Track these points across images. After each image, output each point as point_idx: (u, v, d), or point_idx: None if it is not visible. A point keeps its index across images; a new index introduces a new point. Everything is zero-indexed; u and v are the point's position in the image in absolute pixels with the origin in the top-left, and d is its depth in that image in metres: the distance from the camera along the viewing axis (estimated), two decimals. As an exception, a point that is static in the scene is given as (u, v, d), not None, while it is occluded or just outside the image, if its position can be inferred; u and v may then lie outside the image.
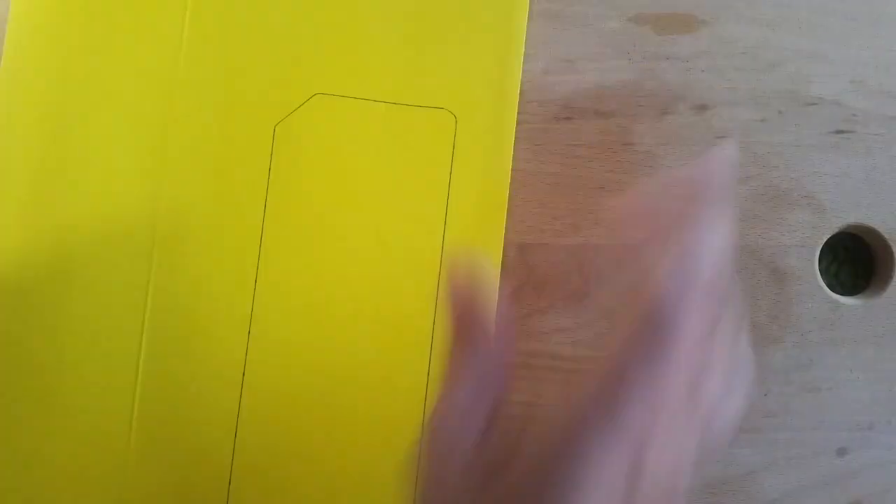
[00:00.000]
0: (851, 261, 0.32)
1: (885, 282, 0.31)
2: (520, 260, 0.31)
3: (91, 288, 0.27)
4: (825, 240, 0.31)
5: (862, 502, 0.31)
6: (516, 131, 0.31)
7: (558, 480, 0.16)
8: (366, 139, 0.29)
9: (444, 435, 0.19)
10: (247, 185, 0.28)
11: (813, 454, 0.31)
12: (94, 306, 0.27)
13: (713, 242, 0.17)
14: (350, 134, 0.29)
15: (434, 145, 0.29)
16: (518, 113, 0.31)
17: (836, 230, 0.31)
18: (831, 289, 0.31)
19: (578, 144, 0.31)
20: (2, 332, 0.27)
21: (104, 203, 0.27)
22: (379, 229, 0.28)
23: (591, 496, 0.16)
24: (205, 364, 0.27)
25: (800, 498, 0.31)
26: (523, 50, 0.30)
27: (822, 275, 0.31)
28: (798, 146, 0.31)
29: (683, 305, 0.16)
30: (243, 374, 0.27)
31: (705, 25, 0.31)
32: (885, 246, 0.31)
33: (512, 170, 0.31)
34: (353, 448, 0.27)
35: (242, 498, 0.26)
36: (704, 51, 0.31)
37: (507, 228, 0.31)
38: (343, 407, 0.27)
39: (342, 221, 0.28)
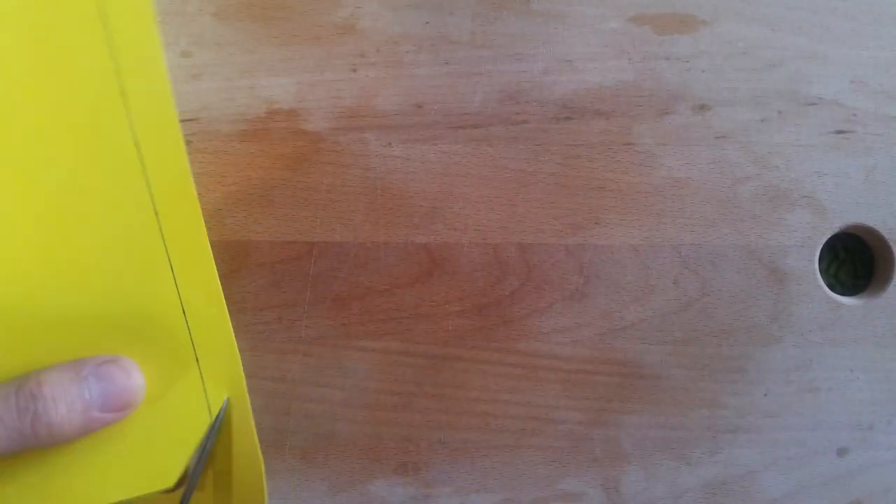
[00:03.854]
0: (851, 261, 0.32)
1: (885, 282, 0.31)
2: (520, 260, 0.31)
3: None
4: (825, 240, 0.31)
5: (862, 502, 0.31)
6: (516, 131, 0.31)
7: None
8: None
9: None
10: None
11: (813, 454, 0.31)
12: None
13: None
14: None
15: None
16: (518, 113, 0.31)
17: (836, 230, 0.31)
18: (831, 289, 0.31)
19: (578, 144, 0.31)
20: None
21: None
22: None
23: None
24: None
25: (800, 498, 0.31)
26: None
27: (822, 275, 0.31)
28: (798, 146, 0.31)
29: None
30: None
31: (705, 25, 0.31)
32: (885, 246, 0.31)
33: (512, 170, 0.31)
34: None
35: None
36: (704, 51, 0.31)
37: (507, 228, 0.31)
38: None
39: None
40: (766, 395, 0.31)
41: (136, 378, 0.25)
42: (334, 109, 0.31)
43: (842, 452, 0.31)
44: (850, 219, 0.31)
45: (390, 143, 0.31)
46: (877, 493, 0.31)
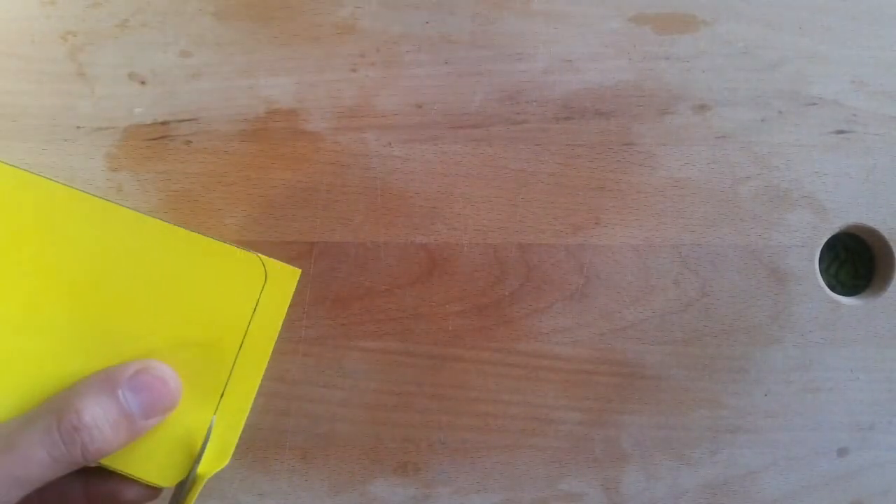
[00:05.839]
0: (852, 261, 0.32)
1: (886, 282, 0.31)
2: (520, 260, 0.31)
3: None
4: (825, 240, 0.31)
5: (863, 502, 0.31)
6: (516, 131, 0.31)
7: None
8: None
9: None
10: None
11: (813, 454, 0.31)
12: None
13: None
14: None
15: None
16: (518, 113, 0.31)
17: (836, 230, 0.31)
18: (831, 289, 0.31)
19: (578, 144, 0.31)
20: None
21: None
22: None
23: None
24: None
25: (800, 498, 0.31)
26: None
27: (822, 275, 0.31)
28: (798, 146, 0.31)
29: None
30: None
31: (705, 25, 0.31)
32: (885, 246, 0.31)
33: (512, 170, 0.31)
34: None
35: None
36: (704, 51, 0.31)
37: (507, 228, 0.31)
38: None
39: None
40: (766, 395, 0.31)
41: (171, 383, 0.24)
42: (334, 109, 0.31)
43: (842, 452, 0.31)
44: (850, 219, 0.31)
45: (390, 143, 0.31)
46: (877, 494, 0.31)
